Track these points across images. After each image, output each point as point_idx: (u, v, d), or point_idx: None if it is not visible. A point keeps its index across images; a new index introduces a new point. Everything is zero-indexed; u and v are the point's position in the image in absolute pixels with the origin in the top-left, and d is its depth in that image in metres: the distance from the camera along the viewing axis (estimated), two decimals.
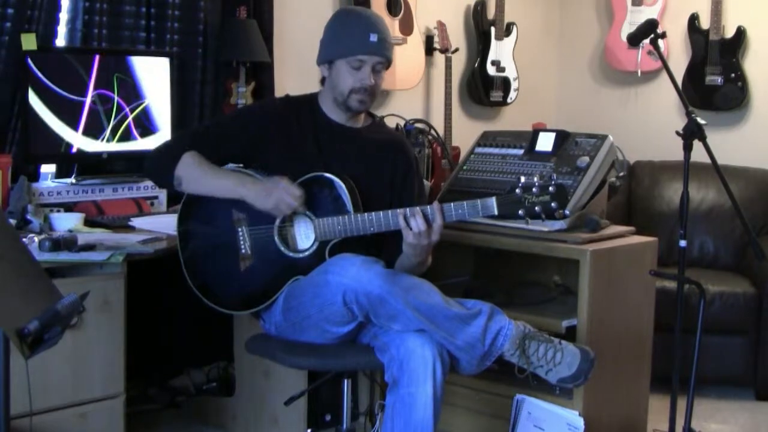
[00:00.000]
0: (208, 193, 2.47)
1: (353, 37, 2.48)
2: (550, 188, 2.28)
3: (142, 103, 3.21)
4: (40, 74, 2.93)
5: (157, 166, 2.52)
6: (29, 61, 2.90)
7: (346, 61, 2.48)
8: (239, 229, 2.50)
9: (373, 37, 2.46)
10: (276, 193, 2.37)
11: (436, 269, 2.57)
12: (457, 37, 4.52)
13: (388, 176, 2.59)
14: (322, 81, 2.59)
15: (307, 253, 2.44)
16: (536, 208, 2.28)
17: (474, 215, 2.34)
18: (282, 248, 2.47)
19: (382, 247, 2.48)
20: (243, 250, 2.49)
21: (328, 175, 2.46)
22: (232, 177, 2.46)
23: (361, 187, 2.48)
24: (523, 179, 2.30)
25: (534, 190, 2.28)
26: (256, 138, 2.51)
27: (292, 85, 3.68)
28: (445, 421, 2.68)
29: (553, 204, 2.27)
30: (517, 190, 2.29)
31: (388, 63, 2.53)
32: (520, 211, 2.29)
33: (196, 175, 2.45)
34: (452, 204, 2.35)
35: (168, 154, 2.48)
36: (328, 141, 2.55)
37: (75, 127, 3.04)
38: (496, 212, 2.31)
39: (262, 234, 2.47)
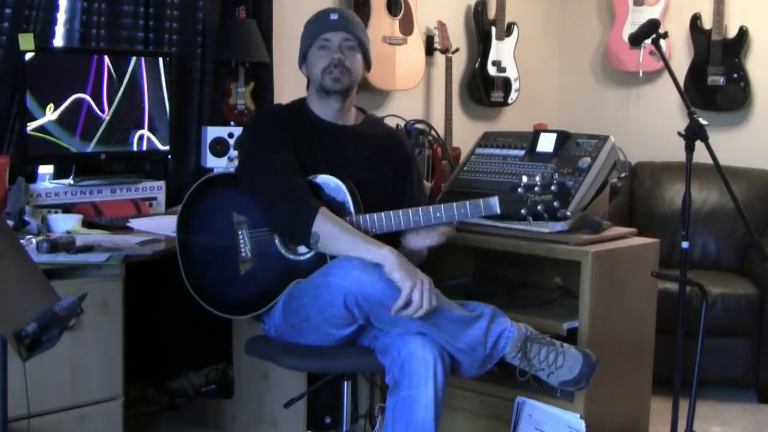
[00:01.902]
0: (344, 253, 2.33)
1: (316, 22, 2.55)
2: (552, 187, 2.30)
3: (140, 104, 3.20)
4: (37, 75, 2.91)
5: (293, 229, 2.39)
6: (27, 61, 2.89)
7: (315, 46, 2.52)
8: (240, 232, 2.48)
9: (334, 16, 2.52)
10: (419, 282, 2.20)
11: (436, 271, 2.55)
12: (458, 37, 4.50)
13: (388, 171, 2.58)
14: (308, 86, 2.60)
15: (308, 256, 2.43)
16: (539, 207, 2.30)
17: (476, 214, 2.35)
18: (283, 251, 2.45)
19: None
20: (243, 254, 2.47)
21: (329, 177, 2.45)
22: (371, 239, 2.32)
23: (362, 185, 2.48)
24: (525, 179, 2.33)
25: (536, 189, 2.31)
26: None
27: (291, 85, 3.66)
28: (446, 423, 2.67)
29: (555, 203, 2.29)
30: (520, 190, 2.32)
31: (358, 42, 2.53)
32: (522, 211, 2.31)
33: (332, 234, 2.32)
34: (454, 204, 2.35)
35: (300, 215, 2.35)
36: (326, 142, 2.53)
37: (73, 128, 3.03)
38: (498, 211, 2.33)
39: (263, 237, 2.46)
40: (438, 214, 2.37)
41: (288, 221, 2.38)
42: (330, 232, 2.31)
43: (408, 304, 2.20)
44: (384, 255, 2.24)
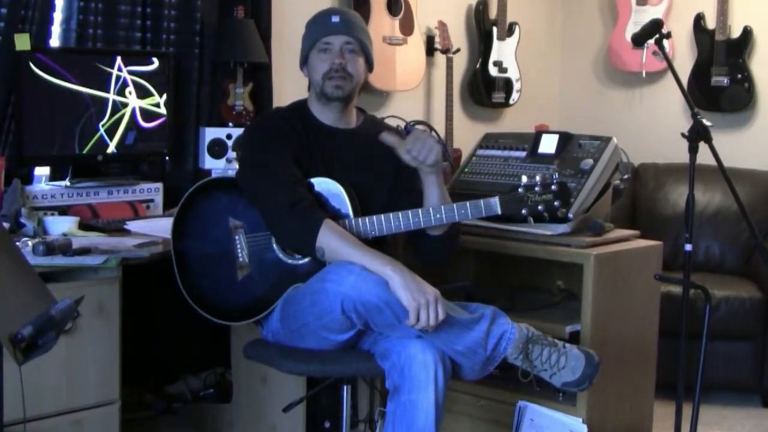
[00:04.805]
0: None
1: (317, 24, 2.52)
2: (553, 187, 2.31)
3: (137, 105, 3.18)
4: (34, 75, 2.89)
5: (298, 242, 2.36)
6: (23, 61, 2.86)
7: (316, 49, 2.49)
8: (236, 237, 2.45)
9: (335, 18, 2.48)
10: (424, 301, 2.17)
11: (437, 273, 2.53)
12: (459, 38, 4.48)
13: (385, 172, 2.54)
14: (309, 86, 2.57)
15: (306, 260, 2.40)
16: (539, 207, 2.30)
17: (477, 215, 2.34)
18: (280, 255, 2.43)
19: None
20: (240, 259, 2.45)
21: (327, 180, 2.43)
22: (377, 254, 2.27)
23: (361, 188, 2.46)
24: (524, 178, 2.33)
25: (536, 189, 2.31)
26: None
27: (290, 86, 3.65)
28: (447, 428, 2.67)
29: (555, 203, 2.30)
30: (520, 189, 2.32)
31: (360, 45, 2.50)
32: (523, 211, 2.31)
33: (338, 247, 2.28)
34: (455, 204, 2.35)
35: (304, 228, 2.32)
36: (325, 145, 2.51)
37: (70, 129, 3.00)
38: (499, 211, 2.32)
39: (260, 241, 2.44)
40: (438, 216, 2.35)
41: (292, 236, 2.36)
42: (334, 247, 2.29)
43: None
44: (389, 274, 2.20)
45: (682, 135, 2.49)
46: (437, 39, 4.28)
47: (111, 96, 3.10)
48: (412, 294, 2.16)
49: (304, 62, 2.55)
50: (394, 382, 2.24)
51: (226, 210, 2.46)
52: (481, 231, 2.82)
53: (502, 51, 4.49)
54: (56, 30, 3.10)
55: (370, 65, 2.56)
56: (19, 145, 2.91)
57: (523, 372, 2.35)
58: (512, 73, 4.54)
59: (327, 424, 2.97)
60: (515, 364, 2.33)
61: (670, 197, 4.14)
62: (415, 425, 2.20)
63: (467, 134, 4.26)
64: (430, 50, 4.30)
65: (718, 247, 4.02)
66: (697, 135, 2.46)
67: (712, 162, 2.51)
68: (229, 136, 3.39)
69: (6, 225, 2.66)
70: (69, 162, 3.07)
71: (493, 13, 4.51)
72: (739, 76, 4.26)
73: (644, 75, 4.58)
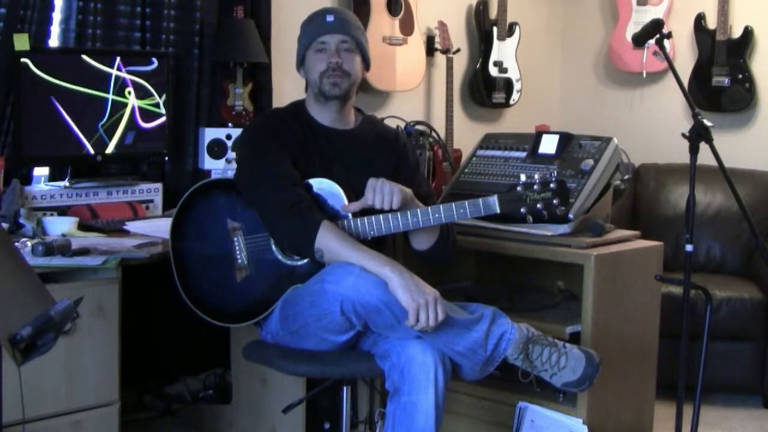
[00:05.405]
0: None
1: (313, 24, 2.52)
2: (551, 185, 2.31)
3: (137, 105, 3.17)
4: (32, 75, 2.88)
5: (296, 244, 2.36)
6: (22, 61, 2.86)
7: (312, 49, 2.49)
8: (235, 239, 2.45)
9: (330, 17, 2.49)
10: (424, 302, 2.17)
11: (437, 274, 2.53)
12: (459, 38, 4.48)
13: (383, 172, 2.53)
14: (306, 87, 2.57)
15: (305, 261, 2.40)
16: (538, 205, 2.30)
17: (476, 214, 2.34)
18: (279, 256, 2.43)
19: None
20: (239, 261, 2.44)
21: (325, 180, 2.43)
22: (376, 255, 2.27)
23: (361, 188, 2.44)
24: (523, 177, 2.32)
25: (535, 187, 2.31)
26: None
27: (289, 86, 3.64)
28: (447, 429, 2.66)
29: (554, 201, 2.30)
30: (519, 188, 2.32)
31: (355, 43, 2.50)
32: (522, 209, 2.31)
33: (336, 249, 2.28)
34: (453, 204, 2.35)
35: (303, 230, 2.32)
36: (323, 146, 2.51)
37: (69, 129, 3.00)
38: (498, 210, 2.32)
39: (259, 242, 2.43)
40: (437, 215, 2.35)
41: (291, 237, 2.36)
42: (333, 249, 2.28)
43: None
44: (387, 274, 2.19)
45: (683, 135, 2.49)
46: (437, 39, 4.27)
47: (110, 96, 3.09)
48: (412, 295, 2.16)
49: (301, 63, 2.55)
50: (394, 383, 2.24)
51: (224, 211, 2.46)
52: (481, 231, 2.81)
53: (503, 51, 4.48)
54: (55, 30, 3.09)
55: (366, 63, 2.56)
56: (18, 146, 2.90)
57: (524, 372, 2.35)
58: (512, 74, 4.53)
59: (327, 426, 2.96)
60: (515, 364, 2.33)
61: (671, 198, 4.13)
62: (415, 426, 2.20)
63: (467, 134, 4.25)
64: (430, 50, 4.29)
65: (718, 247, 4.02)
66: (698, 135, 2.46)
67: (713, 162, 2.51)
68: (228, 137, 3.39)
69: (5, 225, 2.66)
70: (68, 162, 3.06)
71: (493, 13, 4.50)
72: (740, 76, 4.25)
73: (645, 75, 4.57)
